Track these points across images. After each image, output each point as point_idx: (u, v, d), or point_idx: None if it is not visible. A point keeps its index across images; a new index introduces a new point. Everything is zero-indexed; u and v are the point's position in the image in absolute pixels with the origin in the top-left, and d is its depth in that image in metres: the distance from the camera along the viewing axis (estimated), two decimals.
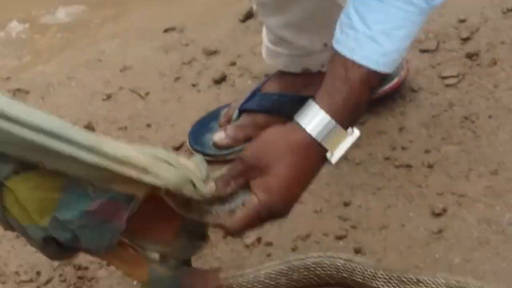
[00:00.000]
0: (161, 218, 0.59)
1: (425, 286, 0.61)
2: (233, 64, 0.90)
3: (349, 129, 0.63)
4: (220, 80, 0.87)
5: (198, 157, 0.59)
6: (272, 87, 0.80)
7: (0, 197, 0.54)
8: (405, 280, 0.61)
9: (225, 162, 0.78)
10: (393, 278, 0.62)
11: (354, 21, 0.60)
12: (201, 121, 0.81)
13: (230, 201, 0.59)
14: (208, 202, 0.58)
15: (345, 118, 0.61)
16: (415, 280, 0.62)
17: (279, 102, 0.78)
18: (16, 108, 0.49)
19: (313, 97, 0.62)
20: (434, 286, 0.60)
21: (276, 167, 0.62)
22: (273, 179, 0.61)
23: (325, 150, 0.61)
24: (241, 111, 0.78)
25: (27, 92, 0.87)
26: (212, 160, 0.77)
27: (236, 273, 0.64)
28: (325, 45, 0.76)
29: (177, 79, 0.89)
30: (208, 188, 0.56)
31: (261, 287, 0.62)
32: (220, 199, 0.59)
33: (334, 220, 0.70)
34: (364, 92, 0.62)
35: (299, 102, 0.79)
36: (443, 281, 0.60)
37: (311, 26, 0.78)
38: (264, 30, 0.81)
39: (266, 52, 0.82)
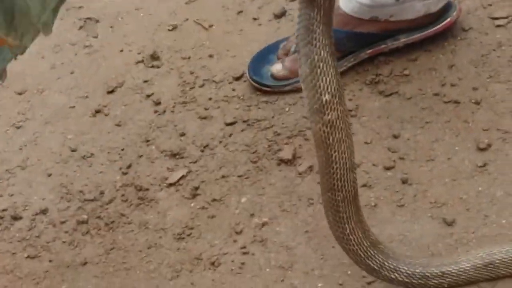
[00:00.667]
0: None
1: None
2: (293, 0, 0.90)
3: None
4: (280, 15, 0.88)
5: None
6: None
7: None
8: None
9: (282, 93, 0.82)
10: None
11: None
12: (260, 53, 0.84)
13: None
14: None
15: None
16: None
17: (336, 37, 0.80)
18: None
19: None
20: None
21: None
22: None
23: None
24: None
25: (97, 21, 0.90)
26: (270, 91, 0.82)
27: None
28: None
29: (239, 12, 0.90)
30: None
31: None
32: None
33: (383, 151, 0.73)
34: None
35: (354, 38, 0.82)
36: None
37: None
38: None
39: None
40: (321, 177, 0.56)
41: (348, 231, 0.56)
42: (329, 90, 0.52)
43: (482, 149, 0.70)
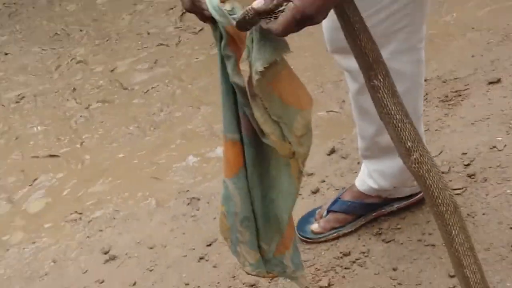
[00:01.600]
0: None
1: None
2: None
3: None
4: (316, 191, 1.34)
5: None
6: (347, 196, 1.25)
7: None
8: None
9: (319, 243, 1.23)
10: None
11: None
12: (304, 217, 1.27)
13: (276, 13, 0.67)
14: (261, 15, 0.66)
15: None
16: None
17: (352, 206, 1.24)
18: None
19: None
20: None
21: None
22: None
23: None
24: (328, 211, 1.24)
25: (198, 199, 1.40)
26: (311, 241, 1.23)
27: None
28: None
29: None
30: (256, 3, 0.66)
31: None
32: (269, 12, 0.67)
33: (386, 279, 1.11)
34: None
35: (364, 206, 1.25)
36: None
37: None
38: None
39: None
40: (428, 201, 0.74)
41: None
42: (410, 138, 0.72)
43: (452, 276, 1.06)
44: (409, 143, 0.72)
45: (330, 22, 1.05)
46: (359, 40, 0.76)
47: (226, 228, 0.89)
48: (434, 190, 0.71)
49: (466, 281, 0.76)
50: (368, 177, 1.20)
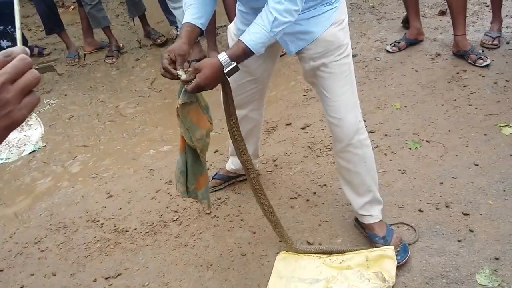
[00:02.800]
0: None
1: None
2: None
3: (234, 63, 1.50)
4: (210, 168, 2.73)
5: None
6: (221, 172, 2.63)
7: None
8: None
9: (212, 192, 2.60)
10: None
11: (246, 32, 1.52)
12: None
13: (191, 82, 1.50)
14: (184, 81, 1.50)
15: (234, 60, 1.50)
16: None
17: (223, 176, 2.62)
18: None
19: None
20: None
21: (204, 70, 1.49)
22: (201, 73, 1.48)
23: (224, 69, 1.50)
24: (213, 178, 2.62)
25: (153, 170, 2.78)
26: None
27: None
28: None
29: None
30: (183, 77, 1.49)
31: None
32: (187, 82, 1.50)
33: None
34: (245, 55, 1.51)
35: (228, 177, 2.62)
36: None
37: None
38: None
39: None
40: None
41: None
42: None
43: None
44: (241, 149, 1.76)
45: None
46: (228, 102, 1.65)
47: (174, 175, 1.82)
48: (249, 168, 1.79)
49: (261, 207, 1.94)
50: (230, 163, 2.58)
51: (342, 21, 1.74)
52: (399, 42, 3.55)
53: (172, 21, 4.26)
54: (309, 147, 2.78)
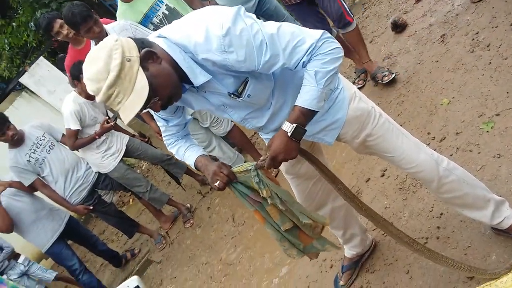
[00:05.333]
0: None
1: None
2: None
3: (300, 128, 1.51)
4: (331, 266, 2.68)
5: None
6: (345, 262, 2.58)
7: None
8: None
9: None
10: None
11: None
12: (335, 280, 2.60)
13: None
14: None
15: (300, 124, 1.51)
16: None
17: (349, 266, 2.56)
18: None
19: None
20: None
21: (273, 143, 1.54)
22: (272, 147, 1.54)
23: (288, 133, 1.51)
24: (342, 272, 2.57)
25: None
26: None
27: None
28: None
29: None
30: (259, 162, 1.62)
31: None
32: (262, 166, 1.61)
33: None
34: (304, 115, 1.50)
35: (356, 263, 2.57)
36: None
37: None
38: None
39: None
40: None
41: None
42: None
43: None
44: (360, 205, 1.75)
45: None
46: (323, 171, 1.69)
47: (280, 249, 1.85)
48: (377, 217, 1.78)
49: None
50: (348, 250, 2.50)
51: (354, 93, 1.79)
52: (359, 77, 3.68)
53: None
54: (401, 188, 2.72)
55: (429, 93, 3.13)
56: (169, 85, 1.46)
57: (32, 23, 8.04)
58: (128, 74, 1.38)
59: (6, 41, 8.52)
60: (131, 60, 1.39)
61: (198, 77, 1.47)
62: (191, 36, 1.42)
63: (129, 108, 1.41)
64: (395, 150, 1.80)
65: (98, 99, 1.43)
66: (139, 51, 1.42)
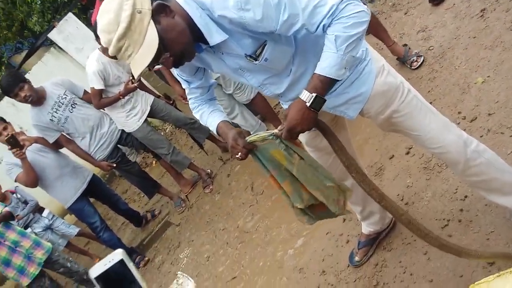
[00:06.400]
0: None
1: None
2: None
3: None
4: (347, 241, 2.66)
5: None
6: (362, 238, 2.55)
7: None
8: None
9: (361, 265, 2.51)
10: None
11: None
12: (350, 254, 2.59)
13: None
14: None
15: (314, 92, 1.39)
16: None
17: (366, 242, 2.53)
18: None
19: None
20: None
21: (289, 112, 1.44)
22: (288, 116, 1.44)
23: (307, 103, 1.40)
24: (358, 248, 2.55)
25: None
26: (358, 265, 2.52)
27: None
28: None
29: None
30: (276, 131, 1.50)
31: None
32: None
33: None
34: (323, 83, 1.39)
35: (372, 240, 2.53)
36: None
37: None
38: None
39: None
40: None
41: None
42: None
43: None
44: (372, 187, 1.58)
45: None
46: (337, 150, 1.56)
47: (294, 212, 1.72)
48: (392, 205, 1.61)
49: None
50: (366, 226, 2.47)
51: (383, 66, 1.70)
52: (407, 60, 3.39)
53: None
54: (425, 167, 2.64)
55: (463, 70, 2.99)
56: (181, 40, 1.43)
57: None
58: (138, 26, 1.37)
59: None
60: (142, 12, 1.37)
61: (214, 35, 1.44)
62: None
63: (139, 61, 1.40)
64: (422, 128, 1.73)
65: (109, 51, 1.42)
66: (151, 4, 1.40)
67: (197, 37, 1.45)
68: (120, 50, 1.40)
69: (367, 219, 2.36)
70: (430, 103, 2.87)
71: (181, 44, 1.43)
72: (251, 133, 1.61)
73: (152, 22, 1.38)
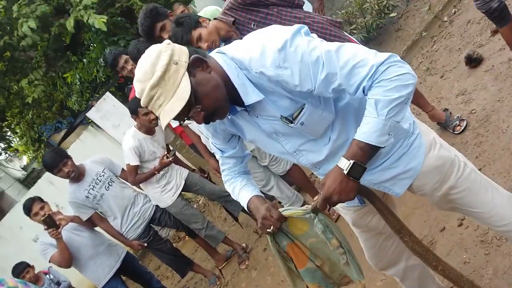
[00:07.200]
0: None
1: None
2: None
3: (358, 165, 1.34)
4: None
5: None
6: None
7: None
8: None
9: None
10: None
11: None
12: None
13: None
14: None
15: (358, 160, 1.34)
16: None
17: None
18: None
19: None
20: None
21: (326, 181, 1.39)
22: (324, 186, 1.38)
23: (349, 176, 1.35)
24: None
25: None
26: None
27: None
28: None
29: None
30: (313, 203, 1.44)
31: None
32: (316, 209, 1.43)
33: None
34: (362, 150, 1.33)
35: None
36: None
37: None
38: None
39: None
40: None
41: None
42: None
43: None
44: (433, 263, 1.48)
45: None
46: (387, 217, 1.46)
47: None
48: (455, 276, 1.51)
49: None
50: None
51: (433, 140, 1.59)
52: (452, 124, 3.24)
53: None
54: (482, 241, 2.42)
55: None
56: (214, 95, 1.39)
57: (101, 59, 8.44)
58: (172, 76, 1.35)
59: (77, 76, 8.99)
60: (178, 63, 1.36)
61: (250, 95, 1.40)
62: (248, 51, 1.37)
63: (168, 111, 1.36)
64: (484, 205, 1.58)
65: (142, 102, 1.40)
66: (189, 58, 1.39)
67: (232, 98, 1.42)
68: (152, 99, 1.37)
69: None
70: (480, 169, 2.74)
71: (214, 99, 1.40)
72: (288, 204, 1.53)
73: (187, 74, 1.36)
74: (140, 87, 1.39)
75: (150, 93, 1.36)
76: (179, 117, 1.38)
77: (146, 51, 1.41)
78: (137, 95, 1.41)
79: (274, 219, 1.51)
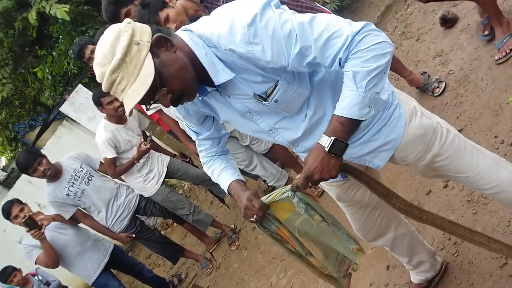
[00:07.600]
0: None
1: None
2: None
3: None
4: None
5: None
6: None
7: None
8: None
9: None
10: None
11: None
12: None
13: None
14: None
15: (340, 136, 1.27)
16: None
17: None
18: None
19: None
20: None
21: (307, 160, 1.32)
22: (306, 164, 1.32)
23: (331, 153, 1.28)
24: None
25: None
26: None
27: None
28: None
29: None
30: (295, 182, 1.38)
31: None
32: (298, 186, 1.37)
33: None
34: (343, 125, 1.26)
35: None
36: None
37: None
38: None
39: None
40: None
41: None
42: None
43: None
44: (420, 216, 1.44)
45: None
46: (373, 187, 1.42)
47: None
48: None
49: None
50: (415, 275, 2.22)
51: (414, 109, 1.54)
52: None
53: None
54: (469, 201, 2.41)
55: (492, 91, 2.80)
56: (181, 76, 1.31)
57: (70, 51, 8.19)
58: (134, 58, 1.26)
59: (47, 70, 8.71)
60: (140, 44, 1.27)
61: (220, 74, 1.32)
62: (215, 28, 1.29)
63: (132, 96, 1.27)
64: (470, 169, 1.55)
65: (103, 87, 1.31)
66: (152, 37, 1.30)
67: (202, 78, 1.34)
68: (113, 84, 1.28)
69: (416, 268, 2.13)
70: (461, 129, 2.72)
71: (181, 81, 1.31)
72: (273, 181, 1.47)
73: (150, 55, 1.27)
74: (100, 71, 1.29)
75: (111, 77, 1.27)
76: (144, 101, 1.30)
77: (105, 31, 1.31)
78: (98, 80, 1.31)
79: (256, 208, 1.45)
